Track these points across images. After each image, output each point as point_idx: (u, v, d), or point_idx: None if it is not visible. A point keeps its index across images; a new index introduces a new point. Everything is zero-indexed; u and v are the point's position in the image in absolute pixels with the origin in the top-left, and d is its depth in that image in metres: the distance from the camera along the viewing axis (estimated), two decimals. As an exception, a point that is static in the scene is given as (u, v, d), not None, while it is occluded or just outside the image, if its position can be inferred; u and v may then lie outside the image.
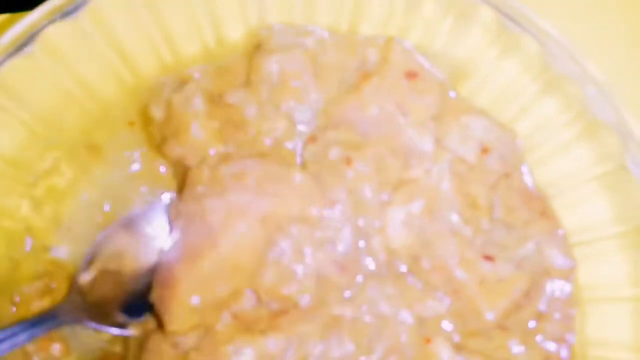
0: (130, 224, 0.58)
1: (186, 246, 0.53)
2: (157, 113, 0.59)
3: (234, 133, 0.57)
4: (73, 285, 0.57)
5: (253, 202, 0.53)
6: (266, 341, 0.51)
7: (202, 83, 0.58)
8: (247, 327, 0.52)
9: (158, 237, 0.58)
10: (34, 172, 0.58)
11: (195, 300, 0.52)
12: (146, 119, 0.60)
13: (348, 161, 0.55)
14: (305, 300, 0.52)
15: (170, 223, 0.56)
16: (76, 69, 0.56)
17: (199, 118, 0.57)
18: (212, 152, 0.57)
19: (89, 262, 0.57)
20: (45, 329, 0.53)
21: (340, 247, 0.54)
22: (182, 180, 0.58)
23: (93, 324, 0.55)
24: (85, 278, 0.57)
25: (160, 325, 0.53)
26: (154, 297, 0.53)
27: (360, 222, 0.54)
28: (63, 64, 0.55)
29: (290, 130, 0.57)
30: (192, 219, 0.53)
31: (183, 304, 0.52)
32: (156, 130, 0.59)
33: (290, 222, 0.53)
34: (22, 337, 0.52)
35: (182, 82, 0.59)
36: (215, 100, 0.58)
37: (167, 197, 0.59)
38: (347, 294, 0.54)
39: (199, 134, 0.57)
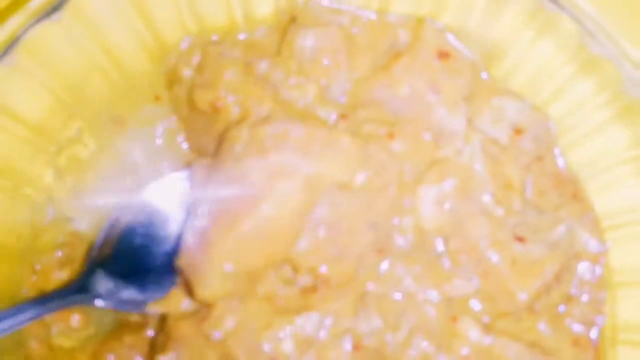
0: (148, 199, 0.57)
1: (222, 208, 0.52)
2: (187, 72, 0.58)
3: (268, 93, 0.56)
4: (86, 264, 0.56)
5: (296, 163, 0.51)
6: (301, 320, 0.50)
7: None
8: (280, 308, 0.51)
9: (178, 209, 0.57)
10: (57, 141, 0.57)
11: (229, 266, 0.50)
12: (175, 79, 0.59)
13: (391, 135, 0.54)
14: (339, 277, 0.52)
15: (194, 187, 0.54)
16: (104, 38, 0.56)
17: (238, 65, 0.56)
18: (248, 102, 0.55)
19: (104, 240, 0.57)
20: (53, 309, 0.53)
21: (378, 225, 0.53)
22: (197, 145, 0.56)
23: (105, 304, 0.55)
24: (99, 256, 0.56)
25: (189, 293, 0.52)
26: (183, 262, 0.52)
27: (397, 200, 0.54)
28: (91, 31, 0.54)
29: (320, 97, 0.57)
30: (230, 180, 0.52)
31: (216, 270, 0.50)
32: (184, 90, 0.58)
33: (334, 188, 0.52)
34: (27, 315, 0.51)
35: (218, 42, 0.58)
36: (247, 66, 0.57)
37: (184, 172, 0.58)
38: (377, 271, 0.53)
39: (236, 78, 0.55)
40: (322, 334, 0.51)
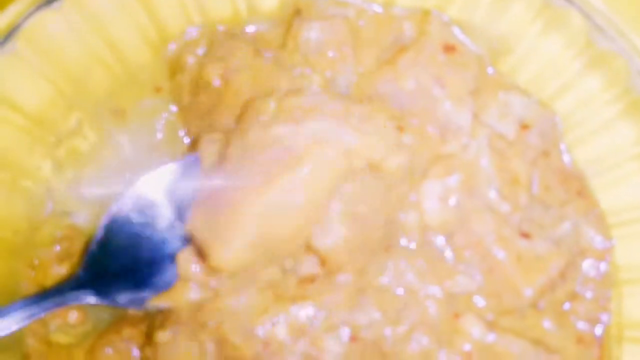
0: (144, 191, 0.56)
1: (250, 171, 0.49)
2: (191, 59, 0.57)
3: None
4: (84, 261, 0.55)
5: (335, 132, 0.49)
6: (295, 309, 0.50)
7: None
8: (277, 295, 0.51)
9: (177, 199, 0.55)
10: (56, 132, 0.57)
11: (254, 233, 0.48)
12: (177, 67, 0.58)
13: (401, 129, 0.54)
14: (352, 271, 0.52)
15: (205, 163, 0.53)
16: (105, 28, 0.55)
17: (248, 47, 0.55)
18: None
19: (102, 235, 0.55)
20: (49, 308, 0.51)
21: (389, 220, 0.53)
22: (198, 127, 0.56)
23: (104, 301, 0.54)
24: (97, 252, 0.55)
25: (203, 258, 0.51)
26: (196, 226, 0.50)
27: (405, 194, 0.53)
28: (92, 21, 0.54)
29: (326, 89, 0.56)
30: (257, 145, 0.50)
31: (241, 235, 0.48)
32: (187, 77, 0.58)
33: (367, 168, 0.50)
34: (21, 314, 0.50)
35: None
36: (256, 51, 0.56)
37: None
38: (383, 266, 0.53)
39: (248, 57, 0.55)
40: (316, 324, 0.51)
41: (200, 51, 0.58)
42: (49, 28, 0.51)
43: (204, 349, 0.51)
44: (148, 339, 0.53)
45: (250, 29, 0.59)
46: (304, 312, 0.50)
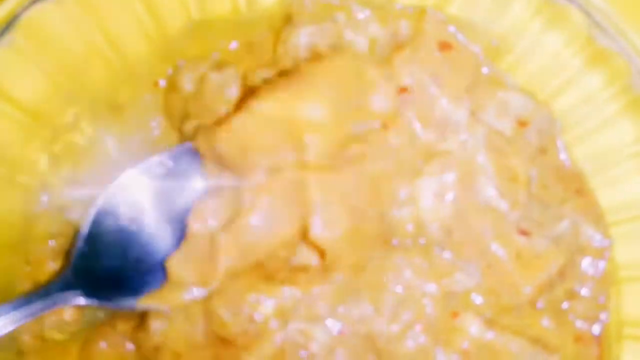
0: (130, 186, 0.54)
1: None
2: (187, 85, 0.58)
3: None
4: (71, 260, 0.53)
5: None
6: (283, 292, 0.50)
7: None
8: (268, 276, 0.51)
9: (164, 193, 0.54)
10: (53, 127, 0.56)
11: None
12: (173, 86, 0.58)
13: (385, 126, 0.54)
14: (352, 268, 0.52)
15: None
16: (104, 21, 0.55)
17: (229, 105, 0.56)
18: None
19: (88, 232, 0.54)
20: (37, 311, 0.50)
21: (385, 215, 0.53)
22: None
23: (90, 302, 0.52)
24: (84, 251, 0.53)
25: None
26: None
27: (400, 191, 0.54)
28: (91, 14, 0.53)
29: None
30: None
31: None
32: (180, 101, 0.58)
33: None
34: (9, 318, 0.49)
35: (219, 63, 0.58)
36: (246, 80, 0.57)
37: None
38: (374, 261, 0.53)
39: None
40: (301, 311, 0.51)
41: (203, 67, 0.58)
42: (47, 20, 0.51)
43: (194, 323, 0.51)
44: (140, 325, 0.53)
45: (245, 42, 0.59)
46: (290, 297, 0.51)
